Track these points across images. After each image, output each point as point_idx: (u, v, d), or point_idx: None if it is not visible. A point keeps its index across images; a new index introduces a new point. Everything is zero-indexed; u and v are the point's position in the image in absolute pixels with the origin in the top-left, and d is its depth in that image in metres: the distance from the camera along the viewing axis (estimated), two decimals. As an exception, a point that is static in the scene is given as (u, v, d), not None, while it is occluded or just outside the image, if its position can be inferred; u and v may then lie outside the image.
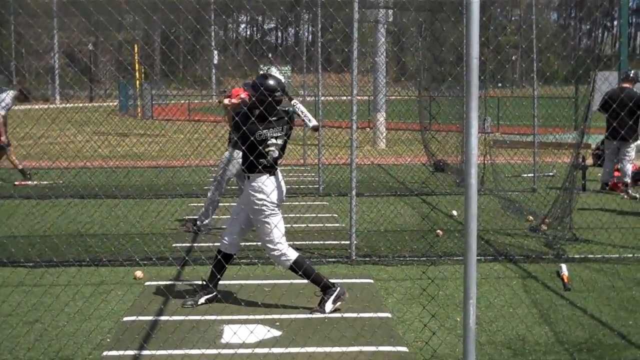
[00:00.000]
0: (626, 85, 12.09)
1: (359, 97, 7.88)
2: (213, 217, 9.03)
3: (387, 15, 17.48)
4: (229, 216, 6.81)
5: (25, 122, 14.40)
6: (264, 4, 14.42)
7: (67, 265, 7.29)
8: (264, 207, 5.78)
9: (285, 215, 6.10)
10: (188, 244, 8.37)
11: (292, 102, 6.05)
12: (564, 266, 6.97)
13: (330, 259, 7.62)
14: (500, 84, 34.84)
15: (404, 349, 5.05)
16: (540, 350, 5.02)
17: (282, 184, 5.94)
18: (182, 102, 34.94)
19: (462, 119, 12.38)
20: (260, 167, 5.72)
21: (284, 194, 5.99)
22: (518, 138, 19.10)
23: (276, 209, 5.85)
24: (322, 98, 13.76)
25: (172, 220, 9.84)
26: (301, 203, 10.81)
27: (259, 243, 6.14)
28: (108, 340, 5.25)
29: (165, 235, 8.87)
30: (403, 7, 14.49)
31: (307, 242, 8.21)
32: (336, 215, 10.20)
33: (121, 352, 4.98)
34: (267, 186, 5.78)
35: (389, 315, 5.80)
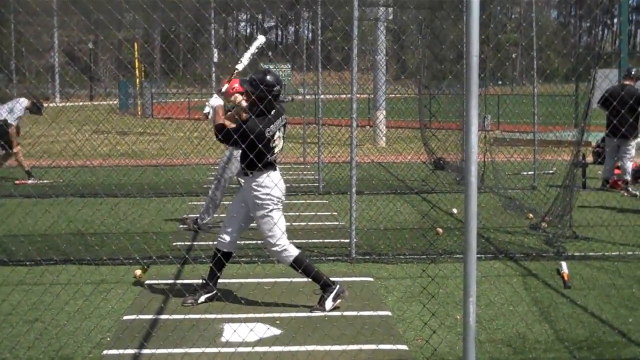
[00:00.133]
0: (627, 82, 12.08)
1: (358, 95, 7.88)
2: (214, 215, 9.03)
3: (387, 13, 17.48)
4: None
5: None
6: (263, 2, 14.40)
7: (67, 263, 7.30)
8: (268, 202, 5.80)
9: (285, 214, 6.09)
10: (188, 243, 8.37)
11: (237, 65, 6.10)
12: (564, 264, 6.97)
13: (330, 257, 7.62)
14: (500, 82, 34.81)
15: (404, 347, 5.05)
16: (541, 348, 5.02)
17: (281, 179, 6.01)
18: (182, 100, 34.92)
19: (462, 116, 12.37)
20: (266, 162, 5.76)
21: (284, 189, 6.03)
22: (518, 136, 19.08)
23: (279, 203, 5.88)
24: (322, 96, 13.75)
25: (173, 218, 9.83)
26: (301, 201, 10.82)
27: (259, 241, 6.14)
28: (108, 339, 5.25)
29: (166, 233, 8.88)
30: (403, 5, 14.49)
31: (307, 241, 8.19)
32: (336, 214, 10.20)
33: (121, 351, 4.98)
34: (273, 180, 5.83)
35: (389, 313, 5.80)
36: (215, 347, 5.01)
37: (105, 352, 4.98)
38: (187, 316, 5.67)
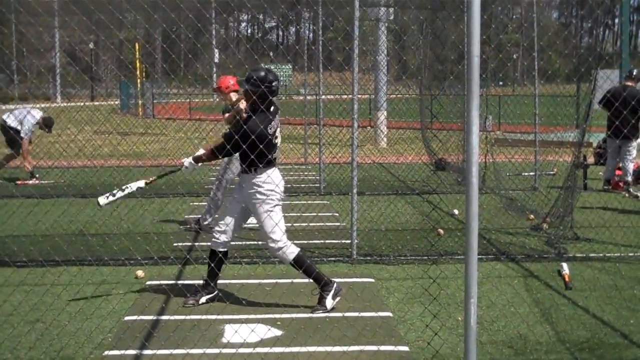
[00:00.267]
0: (629, 83, 12.07)
1: (360, 96, 7.87)
2: (215, 216, 9.03)
3: (388, 13, 17.45)
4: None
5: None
6: (265, 2, 14.40)
7: (69, 264, 7.30)
8: (270, 199, 5.81)
9: (286, 214, 6.09)
10: (189, 243, 8.37)
11: None
12: (565, 265, 6.97)
13: (331, 258, 7.61)
14: (501, 82, 34.81)
15: (405, 348, 5.04)
16: (542, 350, 5.01)
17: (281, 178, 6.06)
18: (183, 100, 34.95)
19: (463, 117, 12.36)
20: (268, 160, 5.80)
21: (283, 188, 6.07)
22: (519, 136, 19.08)
23: (280, 201, 5.91)
24: (323, 97, 13.75)
25: (174, 219, 9.83)
26: (302, 202, 10.81)
27: (260, 242, 6.13)
28: (109, 339, 5.25)
29: (167, 234, 8.88)
30: (404, 5, 14.49)
31: (307, 241, 8.19)
32: (337, 214, 10.20)
33: (122, 352, 4.98)
34: (275, 178, 5.87)
35: (390, 314, 5.80)
36: (217, 347, 5.01)
37: (106, 352, 4.98)
38: (188, 317, 5.67)
